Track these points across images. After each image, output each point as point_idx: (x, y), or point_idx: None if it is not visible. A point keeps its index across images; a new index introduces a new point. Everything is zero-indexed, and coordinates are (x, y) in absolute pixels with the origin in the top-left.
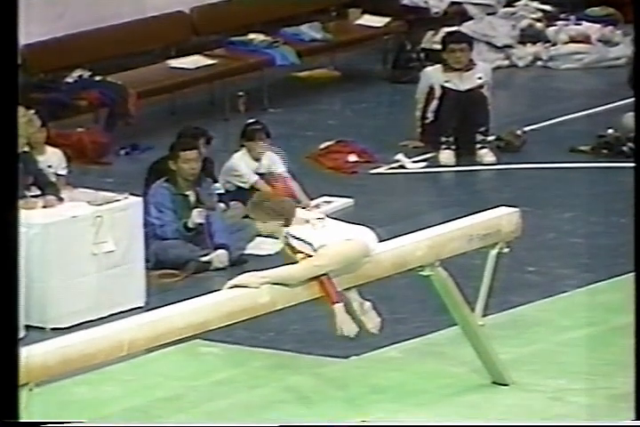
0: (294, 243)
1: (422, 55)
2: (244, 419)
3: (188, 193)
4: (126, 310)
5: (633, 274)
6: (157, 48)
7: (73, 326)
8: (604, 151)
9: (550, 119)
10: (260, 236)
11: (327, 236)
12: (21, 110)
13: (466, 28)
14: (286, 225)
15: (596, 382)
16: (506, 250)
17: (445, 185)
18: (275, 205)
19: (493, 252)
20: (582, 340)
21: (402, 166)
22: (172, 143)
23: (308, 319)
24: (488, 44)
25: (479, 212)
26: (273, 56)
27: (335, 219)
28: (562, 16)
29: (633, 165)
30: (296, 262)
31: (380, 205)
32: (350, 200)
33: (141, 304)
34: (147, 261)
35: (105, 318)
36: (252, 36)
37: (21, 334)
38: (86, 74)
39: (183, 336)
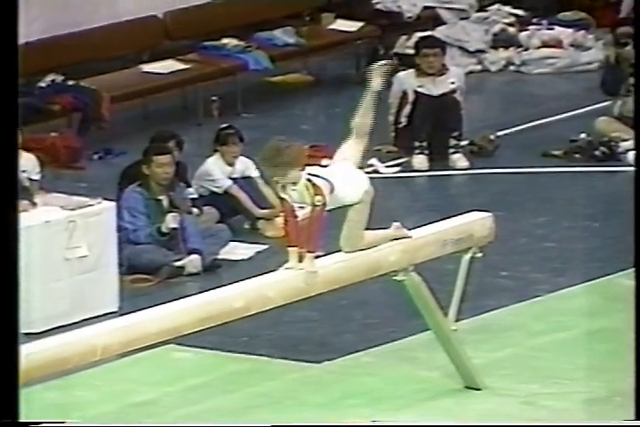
0: (317, 181)
1: (395, 60)
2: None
3: (161, 198)
4: (99, 315)
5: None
6: (130, 53)
7: (46, 331)
8: (577, 156)
9: (523, 124)
10: (233, 241)
11: (345, 177)
12: None
13: (439, 32)
14: (302, 169)
15: (569, 387)
16: (479, 255)
17: (419, 190)
18: (286, 157)
19: (466, 256)
20: (555, 344)
21: (375, 171)
22: (146, 148)
23: (281, 324)
24: (461, 48)
25: (452, 216)
26: (246, 61)
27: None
28: (534, 21)
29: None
30: (314, 206)
31: None
32: None
33: (114, 309)
34: (120, 265)
35: (78, 322)
36: (225, 40)
37: None
38: (59, 78)
39: (156, 341)
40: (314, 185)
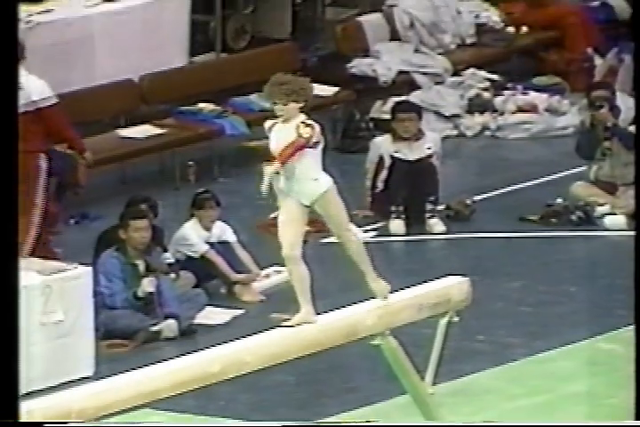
0: (312, 123)
1: (371, 125)
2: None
3: (137, 262)
4: (75, 380)
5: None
6: (106, 117)
7: (21, 396)
8: (553, 220)
9: (499, 189)
10: (209, 305)
11: None
12: None
13: (414, 97)
14: (302, 107)
15: None
16: (455, 319)
17: (395, 254)
18: (294, 85)
19: (443, 321)
20: (532, 408)
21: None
22: (122, 212)
23: (258, 388)
24: (436, 113)
25: (429, 281)
26: (222, 126)
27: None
28: (509, 85)
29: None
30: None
31: (330, 275)
32: None
33: (90, 374)
34: (96, 330)
35: (53, 387)
36: (201, 105)
37: None
38: None
39: (132, 405)
40: (308, 125)
